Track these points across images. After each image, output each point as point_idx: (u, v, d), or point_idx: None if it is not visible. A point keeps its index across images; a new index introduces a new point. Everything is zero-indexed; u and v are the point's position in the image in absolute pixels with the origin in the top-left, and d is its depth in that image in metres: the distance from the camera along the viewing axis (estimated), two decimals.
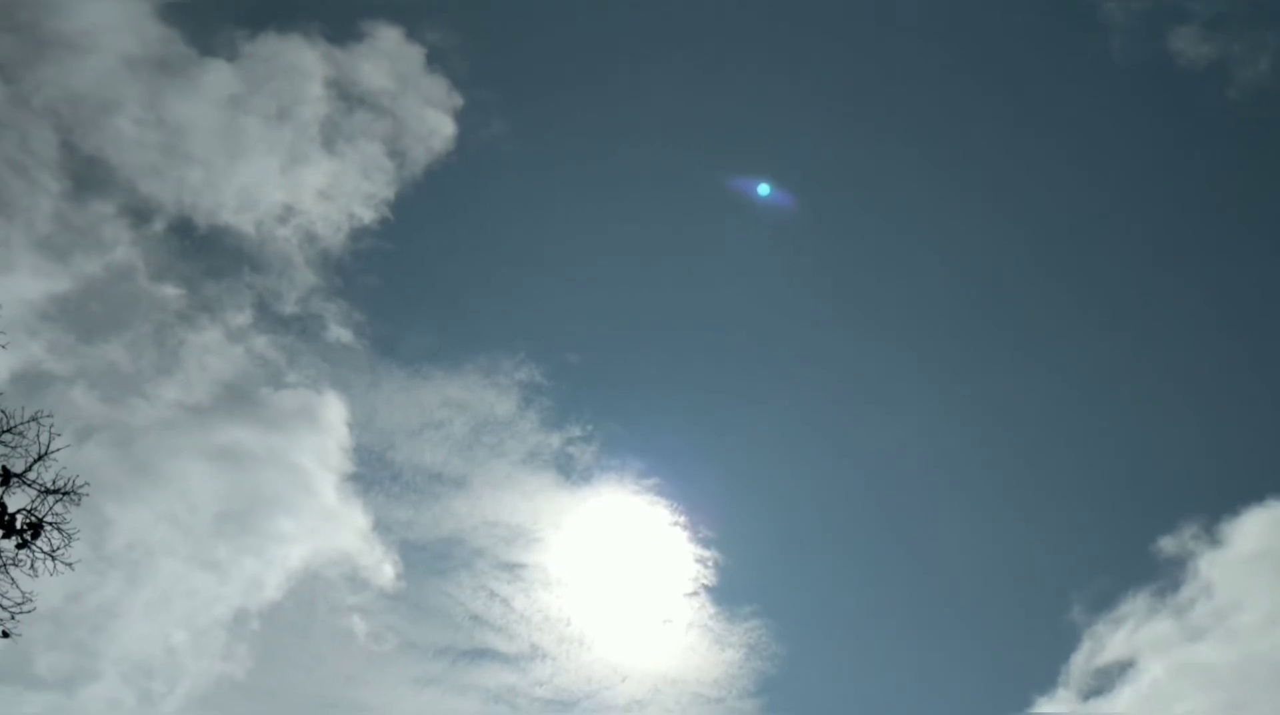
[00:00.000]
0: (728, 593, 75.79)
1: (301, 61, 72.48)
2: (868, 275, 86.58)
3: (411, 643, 71.87)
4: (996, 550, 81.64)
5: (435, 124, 73.66)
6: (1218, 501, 75.99)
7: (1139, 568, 73.58)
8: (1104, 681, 68.56)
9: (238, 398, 70.12)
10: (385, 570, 70.48)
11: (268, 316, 71.64)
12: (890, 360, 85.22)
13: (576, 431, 75.96)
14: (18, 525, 26.01)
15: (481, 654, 73.33)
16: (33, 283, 63.56)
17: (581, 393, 78.25)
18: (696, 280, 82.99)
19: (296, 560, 68.68)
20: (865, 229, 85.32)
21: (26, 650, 60.14)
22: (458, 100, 73.98)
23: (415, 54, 74.14)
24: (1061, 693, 68.73)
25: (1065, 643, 71.26)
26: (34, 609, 26.39)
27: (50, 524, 26.48)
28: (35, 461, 26.33)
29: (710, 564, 74.90)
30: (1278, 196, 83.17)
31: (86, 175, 67.10)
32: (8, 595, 26.21)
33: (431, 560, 73.96)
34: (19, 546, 25.99)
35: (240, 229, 70.32)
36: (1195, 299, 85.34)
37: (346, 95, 73.20)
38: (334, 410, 72.12)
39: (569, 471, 76.19)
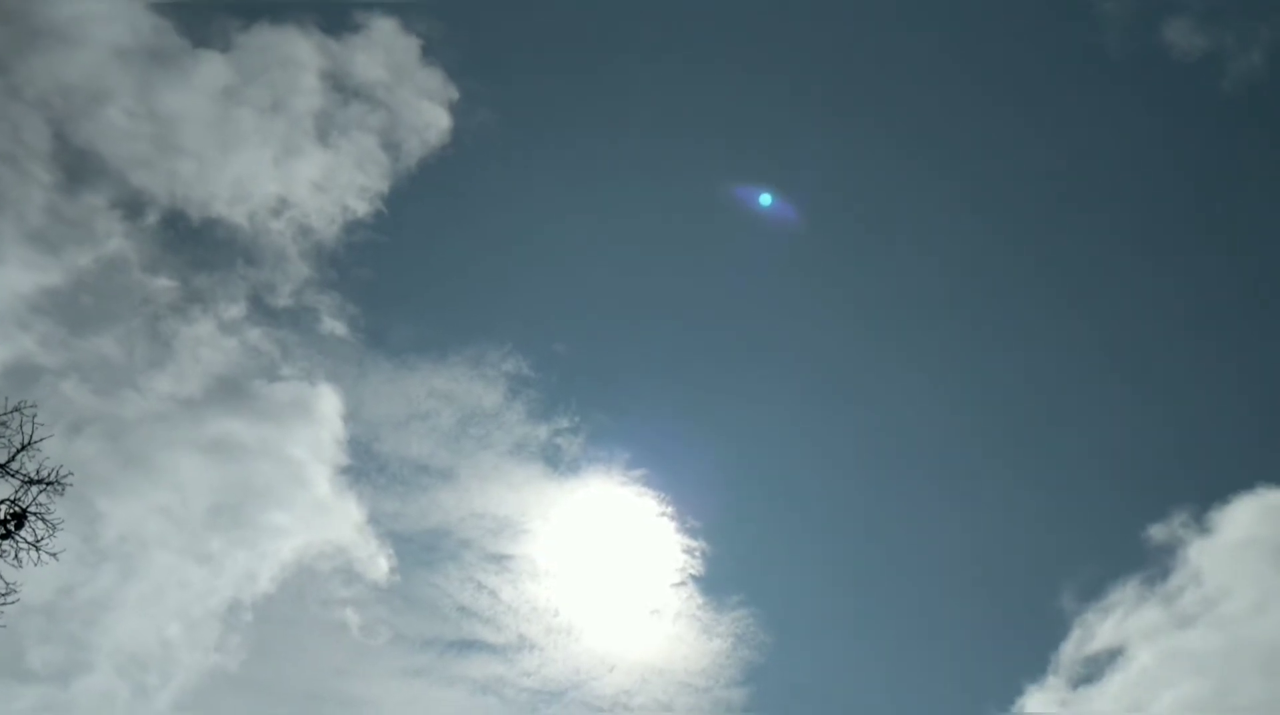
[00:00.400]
0: (715, 582, 75.72)
1: (296, 53, 71.70)
2: (854, 266, 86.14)
3: (400, 634, 71.67)
4: (986, 539, 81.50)
5: (430, 116, 73.36)
6: (1207, 489, 75.82)
7: (1129, 556, 73.58)
8: (1094, 669, 68.66)
9: (231, 390, 69.96)
10: (380, 564, 70.32)
11: (261, 309, 71.26)
12: (878, 350, 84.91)
13: (564, 423, 75.50)
14: (1, 516, 25.80)
15: (469, 645, 73.06)
16: (24, 275, 63.20)
17: (569, 384, 77.62)
18: (685, 272, 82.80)
19: (289, 553, 68.49)
20: (853, 223, 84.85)
21: (18, 644, 60.00)
22: (453, 92, 73.71)
23: (411, 45, 73.39)
24: (1051, 680, 68.79)
25: (1055, 631, 71.27)
26: (19, 599, 26.21)
27: (34, 514, 26.32)
28: (18, 452, 26.17)
29: (697, 554, 74.86)
30: (1271, 187, 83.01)
31: (78, 167, 66.70)
32: None
33: (419, 552, 73.70)
34: (2, 537, 25.79)
35: (233, 221, 69.92)
36: (1186, 289, 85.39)
37: (341, 87, 72.66)
38: (328, 402, 71.93)
39: (556, 463, 75.93)
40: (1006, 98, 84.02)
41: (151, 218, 68.51)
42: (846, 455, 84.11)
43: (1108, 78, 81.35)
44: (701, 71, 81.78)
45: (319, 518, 70.31)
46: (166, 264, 69.42)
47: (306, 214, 71.13)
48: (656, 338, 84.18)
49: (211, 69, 70.30)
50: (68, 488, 27.08)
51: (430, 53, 73.52)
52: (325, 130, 72.36)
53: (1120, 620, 69.80)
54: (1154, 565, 71.30)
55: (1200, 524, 70.71)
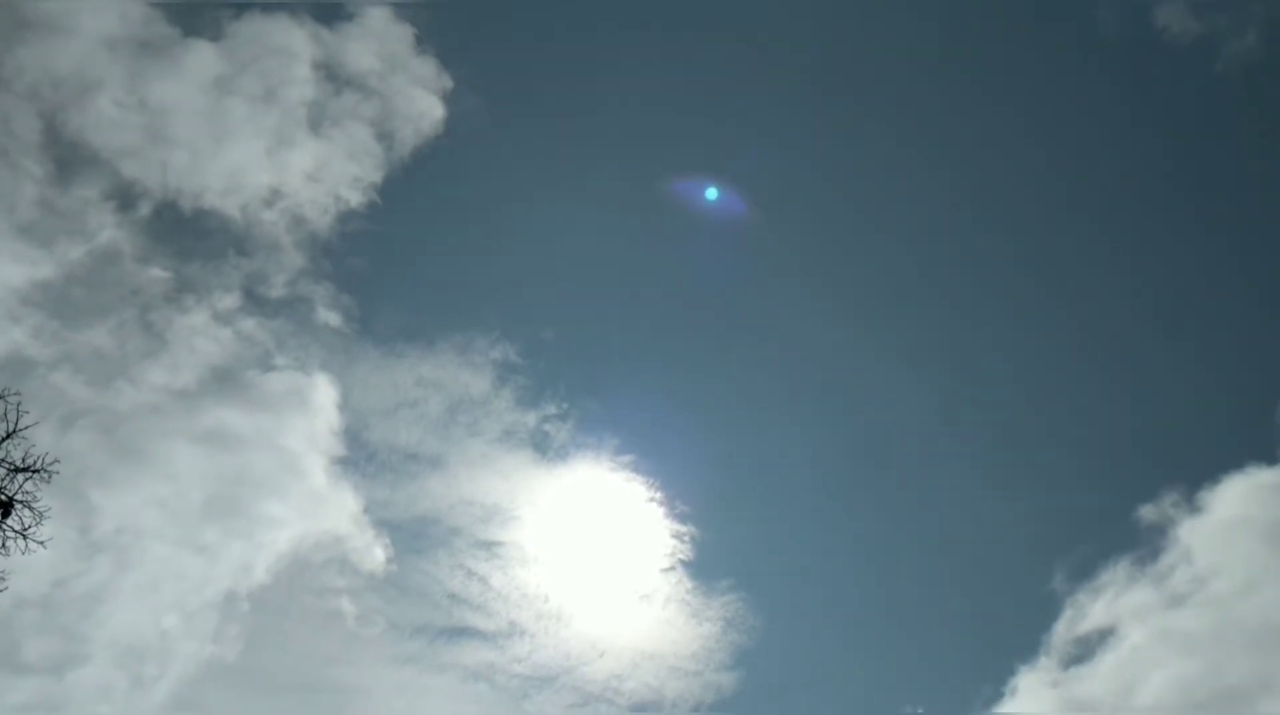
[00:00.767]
0: (704, 567, 75.48)
1: (288, 42, 70.97)
2: (842, 250, 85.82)
3: (390, 622, 71.44)
4: (977, 521, 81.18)
5: (423, 105, 72.87)
6: (1197, 469, 75.63)
7: (1119, 537, 73.41)
8: (1085, 650, 68.64)
9: (225, 380, 69.61)
10: (376, 554, 70.12)
11: (255, 299, 70.97)
12: (867, 335, 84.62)
13: (552, 409, 75.22)
14: None
15: (460, 632, 72.79)
16: (16, 268, 62.86)
17: (557, 371, 77.38)
18: (673, 259, 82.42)
19: (284, 543, 68.29)
20: (841, 209, 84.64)
21: (14, 636, 59.87)
22: (447, 81, 73.21)
23: (404, 34, 72.88)
24: (1043, 661, 68.80)
25: (1046, 612, 71.25)
26: (6, 588, 25.89)
27: (21, 502, 26.06)
28: (4, 440, 25.88)
29: (686, 539, 74.63)
30: (1264, 168, 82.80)
31: (69, 159, 66.25)
32: None
33: (408, 540, 73.36)
34: None
35: (226, 212, 69.54)
36: (1177, 269, 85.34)
37: (334, 76, 72.00)
38: (322, 392, 71.64)
39: (545, 449, 75.68)
40: (995, 81, 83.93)
41: (143, 209, 68.21)
42: (835, 439, 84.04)
43: (1100, 61, 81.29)
44: (690, 59, 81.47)
45: (314, 508, 70.19)
46: (159, 255, 69.17)
47: (299, 204, 70.84)
48: (644, 324, 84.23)
49: (203, 59, 69.88)
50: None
51: (423, 41, 73.29)
52: (318, 120, 72.00)
53: (1111, 600, 69.90)
54: (1145, 545, 71.39)
55: (1191, 504, 70.82)
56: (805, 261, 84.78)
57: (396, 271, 78.74)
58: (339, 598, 70.65)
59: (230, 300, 70.27)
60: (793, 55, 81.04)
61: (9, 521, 25.79)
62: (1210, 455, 77.19)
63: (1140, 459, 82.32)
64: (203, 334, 69.35)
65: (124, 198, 67.69)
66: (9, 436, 25.89)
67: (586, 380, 78.92)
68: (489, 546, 74.20)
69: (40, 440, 26.72)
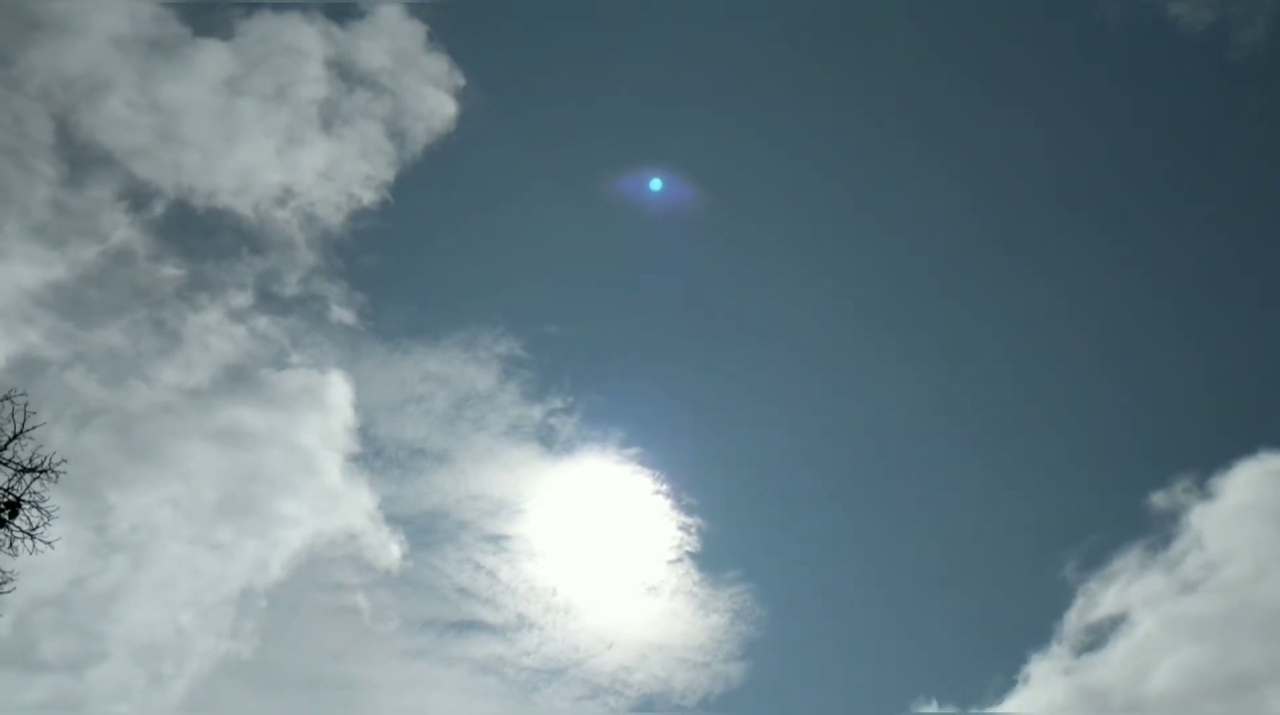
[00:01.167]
0: (711, 559, 75.32)
1: (299, 40, 70.56)
2: (850, 242, 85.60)
3: (399, 616, 71.58)
4: (987, 510, 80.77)
5: (435, 103, 72.51)
6: (1209, 455, 74.90)
7: (1131, 523, 72.96)
8: (1097, 637, 68.24)
9: (239, 379, 69.54)
10: (392, 550, 70.03)
11: (268, 297, 70.92)
12: (875, 325, 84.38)
13: (557, 403, 75.20)
14: None
15: (469, 626, 72.80)
16: (29, 270, 62.84)
17: (562, 364, 77.33)
18: (676, 252, 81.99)
19: (299, 540, 68.26)
20: (847, 200, 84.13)
21: (31, 635, 59.94)
22: (459, 79, 72.83)
23: (415, 31, 72.48)
24: (1055, 649, 68.40)
25: (1059, 600, 70.77)
26: (13, 588, 25.75)
27: (29, 502, 25.90)
28: (10, 440, 25.72)
29: (693, 531, 74.39)
30: (1275, 156, 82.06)
31: (81, 160, 66.21)
32: None
33: (417, 535, 73.25)
34: None
35: (238, 211, 69.42)
36: (1188, 256, 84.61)
37: (346, 75, 71.70)
38: (337, 389, 71.50)
39: (551, 443, 75.61)
40: (1002, 71, 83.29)
41: (156, 209, 68.11)
42: (844, 429, 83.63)
43: (1109, 50, 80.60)
44: (699, 54, 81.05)
45: (328, 505, 70.12)
46: (172, 255, 69.10)
47: (312, 203, 70.66)
48: (650, 317, 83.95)
49: (214, 58, 69.57)
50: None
51: (435, 39, 72.91)
52: (329, 118, 71.74)
53: (1123, 588, 69.48)
54: (1156, 532, 70.96)
55: (1203, 490, 70.28)
56: (813, 254, 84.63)
57: (399, 267, 78.69)
58: (350, 594, 70.74)
59: (244, 298, 70.28)
60: (797, 53, 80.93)
61: (17, 521, 25.64)
62: (1222, 441, 76.60)
63: (1151, 446, 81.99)
64: (216, 332, 69.36)
65: (136, 198, 67.70)
66: (16, 437, 25.74)
67: (592, 373, 78.92)
68: (497, 540, 74.27)
69: (54, 441, 26.60)
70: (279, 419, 70.73)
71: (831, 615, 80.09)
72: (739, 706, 71.78)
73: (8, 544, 25.60)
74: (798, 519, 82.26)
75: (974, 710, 67.47)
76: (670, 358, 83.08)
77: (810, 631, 79.72)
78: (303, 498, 70.07)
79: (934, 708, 67.63)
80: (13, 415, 25.76)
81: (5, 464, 25.61)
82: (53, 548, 26.09)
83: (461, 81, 72.74)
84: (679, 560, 74.36)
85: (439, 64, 72.68)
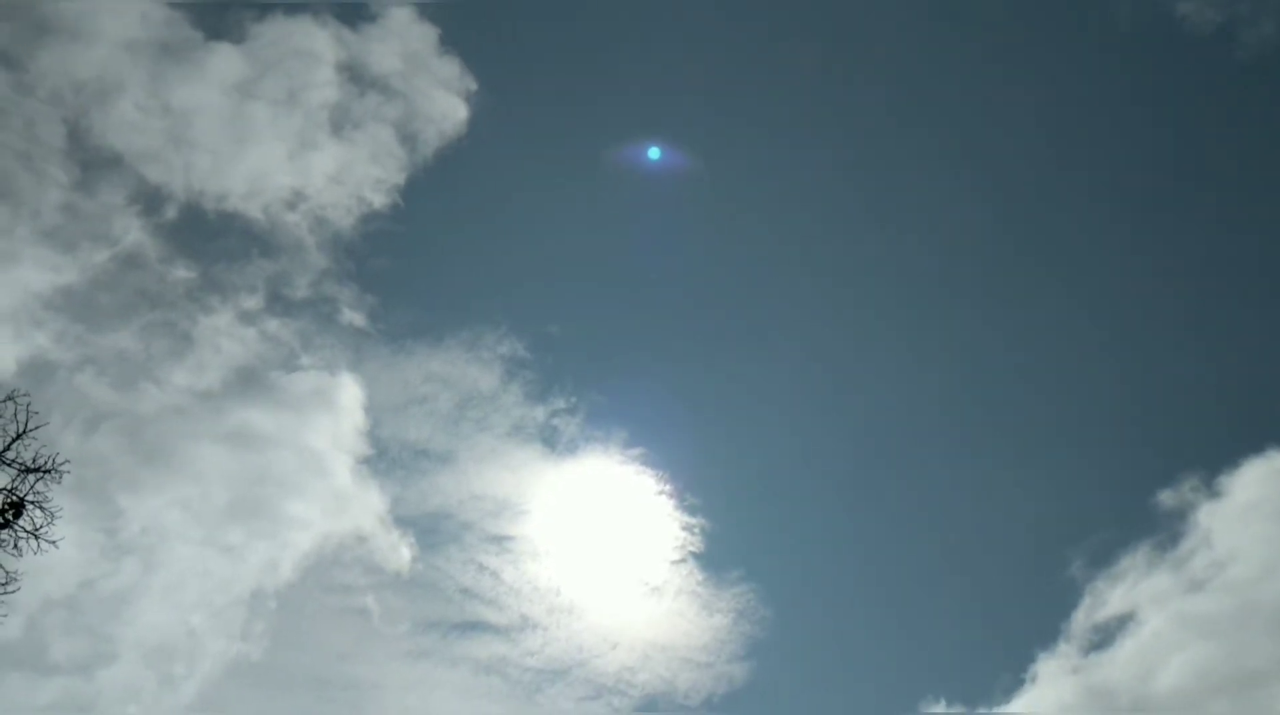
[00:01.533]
0: (715, 559, 74.85)
1: (311, 44, 70.48)
2: (853, 241, 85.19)
3: (402, 617, 71.37)
4: (994, 508, 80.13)
5: (447, 106, 72.11)
6: (1217, 453, 74.51)
7: (1138, 522, 72.46)
8: (1105, 636, 67.74)
9: (250, 381, 69.33)
10: (402, 553, 69.77)
11: (279, 300, 70.74)
12: (879, 322, 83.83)
13: (560, 403, 74.87)
14: None
15: (472, 626, 72.41)
16: (39, 274, 62.74)
17: (564, 365, 76.99)
18: (679, 251, 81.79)
19: (309, 542, 68.04)
20: (853, 198, 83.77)
21: (42, 637, 59.81)
22: (471, 82, 72.52)
23: (428, 34, 72.28)
24: (1063, 647, 67.89)
25: (1066, 599, 70.22)
26: (19, 588, 25.57)
27: (32, 503, 25.72)
28: (14, 441, 25.54)
29: (697, 531, 74.01)
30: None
31: (93, 163, 66.15)
32: None
33: (420, 535, 72.70)
34: (0, 526, 25.20)
35: (249, 214, 69.24)
36: (1196, 253, 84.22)
37: (357, 78, 71.42)
38: (348, 392, 71.27)
39: (554, 443, 75.30)
40: (1012, 68, 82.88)
41: (167, 212, 67.96)
42: (848, 427, 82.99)
43: (1118, 49, 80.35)
44: (712, 55, 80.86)
45: (338, 507, 69.88)
46: (182, 258, 68.94)
47: (322, 206, 70.50)
48: (652, 317, 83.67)
49: (225, 61, 69.39)
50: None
51: (447, 42, 72.66)
52: (340, 122, 71.54)
53: (1131, 586, 68.97)
54: (1164, 531, 70.43)
55: (1210, 488, 69.78)
56: (817, 252, 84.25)
57: (409, 270, 78.55)
58: (357, 596, 70.56)
59: (254, 301, 70.10)
60: (805, 51, 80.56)
61: (20, 522, 25.46)
62: (1230, 439, 75.85)
63: (1159, 444, 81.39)
64: (227, 335, 69.20)
65: (147, 201, 67.60)
66: (19, 437, 25.58)
67: (595, 374, 78.66)
68: (500, 541, 73.96)
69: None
70: (289, 421, 70.65)
71: (836, 615, 79.74)
72: (743, 707, 71.58)
73: (11, 544, 25.45)
74: (802, 518, 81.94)
75: (982, 709, 67.10)
76: (673, 358, 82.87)
77: (815, 631, 79.38)
78: (313, 500, 69.90)
79: (941, 707, 67.27)
80: (15, 415, 25.60)
81: (9, 464, 25.45)
82: (57, 547, 25.93)
83: (473, 85, 72.69)
84: (682, 560, 74.13)
85: (450, 67, 72.60)
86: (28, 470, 25.58)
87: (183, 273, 68.71)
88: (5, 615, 25.41)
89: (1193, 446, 79.17)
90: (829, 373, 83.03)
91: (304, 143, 70.70)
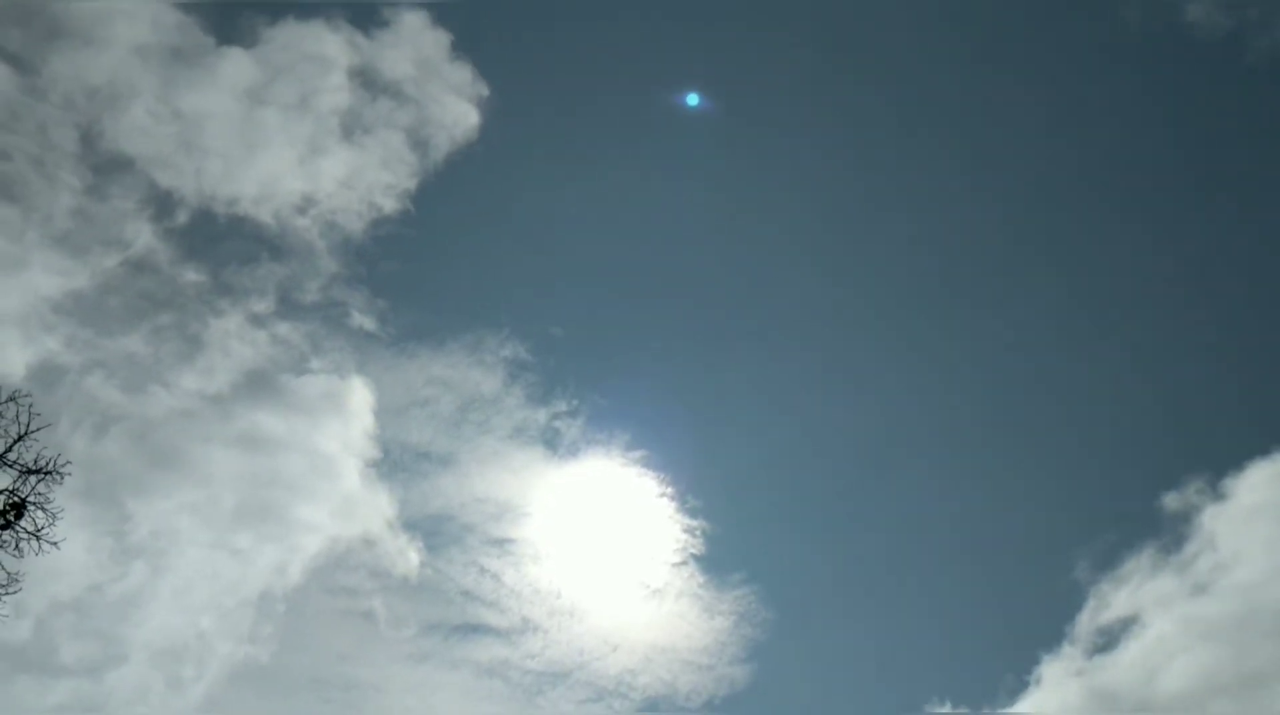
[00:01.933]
0: (716, 561, 74.58)
1: (323, 49, 70.27)
2: (855, 242, 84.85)
3: (404, 619, 71.14)
4: (999, 511, 79.82)
5: (459, 112, 71.72)
6: (1222, 456, 73.89)
7: (1143, 525, 72.05)
8: (1109, 638, 67.32)
9: (259, 384, 69.13)
10: (410, 557, 69.50)
11: (289, 304, 70.62)
12: (881, 325, 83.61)
13: (562, 406, 74.60)
14: (0, 506, 25.11)
15: (474, 629, 72.08)
16: (52, 277, 62.71)
17: (567, 367, 76.66)
18: (682, 255, 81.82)
19: (316, 546, 67.81)
20: (855, 202, 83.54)
21: (51, 640, 59.68)
22: (483, 89, 72.08)
23: (441, 39, 71.94)
24: (1067, 650, 67.47)
25: (1071, 601, 69.78)
26: (20, 589, 25.43)
27: (33, 504, 25.60)
28: (15, 442, 25.44)
29: (698, 533, 73.70)
30: None
31: (105, 168, 66.11)
32: None
33: (422, 537, 72.71)
34: (1, 527, 25.08)
35: (259, 219, 69.08)
36: (1202, 257, 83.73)
37: (369, 84, 71.16)
38: (357, 395, 71.03)
39: (556, 446, 75.03)
40: (1023, 75, 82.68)
41: (178, 217, 67.86)
42: (851, 429, 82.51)
43: (1129, 56, 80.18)
44: (727, 62, 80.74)
45: (347, 510, 69.64)
46: (193, 262, 68.87)
47: (332, 211, 70.35)
48: (655, 320, 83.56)
49: (237, 66, 69.15)
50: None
51: (460, 47, 72.36)
52: (352, 128, 71.30)
53: (1135, 589, 68.53)
54: (1168, 534, 69.99)
55: (1215, 491, 69.34)
56: (820, 254, 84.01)
57: (417, 274, 78.37)
58: (364, 599, 70.31)
59: (264, 305, 69.97)
60: (816, 55, 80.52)
61: (22, 523, 25.34)
62: (1235, 442, 75.33)
63: (1165, 447, 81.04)
64: (237, 337, 69.05)
65: (159, 206, 67.54)
66: (21, 438, 25.47)
67: (597, 376, 78.46)
68: (501, 543, 73.72)
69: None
70: (298, 424, 70.47)
71: (840, 617, 79.30)
72: (744, 710, 71.19)
73: (13, 545, 25.32)
74: (805, 521, 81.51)
75: (986, 710, 66.70)
76: (675, 360, 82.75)
77: (817, 633, 78.90)
78: (321, 503, 69.68)
79: (946, 708, 66.91)
80: (17, 416, 25.49)
81: (10, 465, 25.33)
82: (58, 549, 25.80)
83: (485, 91, 72.40)
84: (684, 563, 73.82)
85: (462, 73, 72.29)
86: (29, 471, 25.48)
87: (193, 276, 68.72)
88: (7, 615, 25.28)
89: (1198, 449, 78.93)
90: (832, 375, 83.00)
91: (315, 148, 70.64)
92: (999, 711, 66.65)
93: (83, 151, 65.40)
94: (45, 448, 25.64)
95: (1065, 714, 65.64)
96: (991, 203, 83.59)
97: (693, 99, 75.88)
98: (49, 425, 25.56)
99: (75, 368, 63.48)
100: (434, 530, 73.24)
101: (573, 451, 75.13)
